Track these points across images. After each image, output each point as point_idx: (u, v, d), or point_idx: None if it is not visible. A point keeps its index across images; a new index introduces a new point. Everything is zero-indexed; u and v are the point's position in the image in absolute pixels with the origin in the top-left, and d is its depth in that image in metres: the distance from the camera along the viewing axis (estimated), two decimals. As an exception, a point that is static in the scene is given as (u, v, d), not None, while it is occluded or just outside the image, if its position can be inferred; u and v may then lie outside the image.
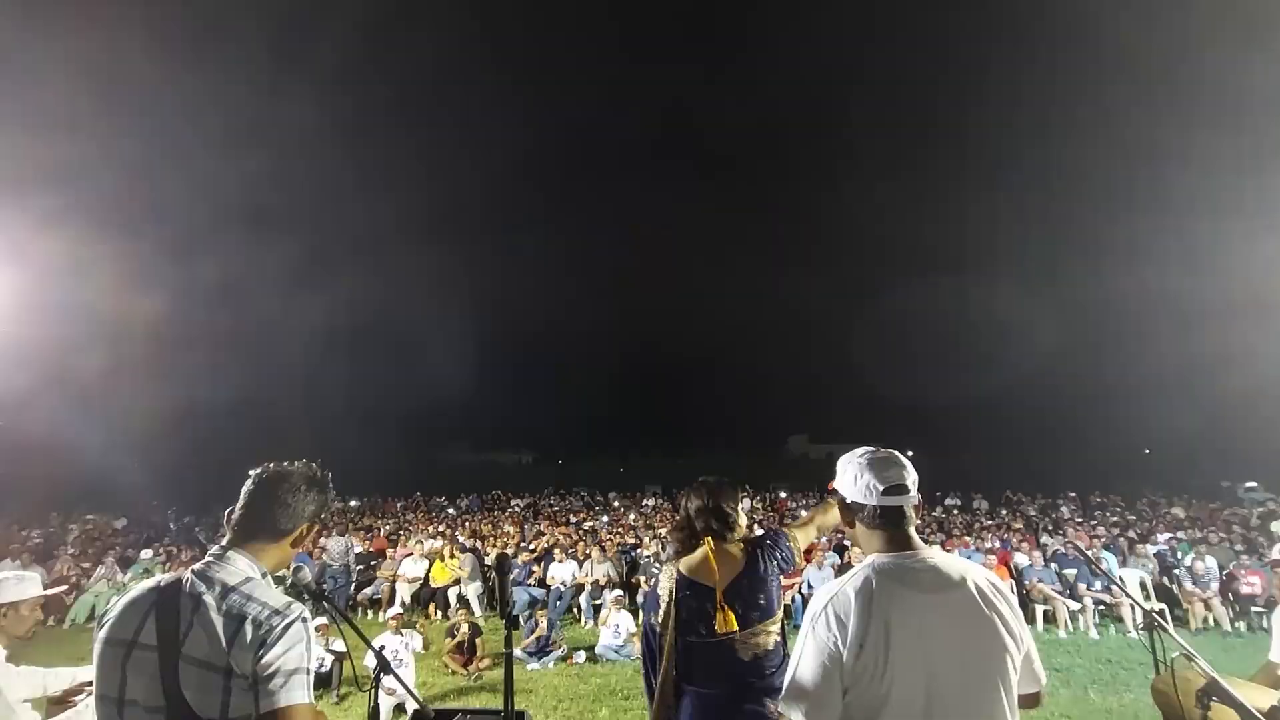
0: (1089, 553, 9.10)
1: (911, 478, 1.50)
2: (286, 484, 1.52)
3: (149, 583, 1.43)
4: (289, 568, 1.65)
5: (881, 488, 1.46)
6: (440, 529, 12.58)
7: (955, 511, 15.46)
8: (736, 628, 1.90)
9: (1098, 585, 7.98)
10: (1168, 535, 10.84)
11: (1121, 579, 8.47)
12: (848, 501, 1.53)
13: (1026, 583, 8.44)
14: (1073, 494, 17.54)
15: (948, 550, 9.02)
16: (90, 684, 2.61)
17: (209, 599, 1.34)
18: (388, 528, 13.72)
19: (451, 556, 9.30)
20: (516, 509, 17.25)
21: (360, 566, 9.84)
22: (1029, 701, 1.42)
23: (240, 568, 1.42)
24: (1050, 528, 12.36)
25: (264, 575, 1.46)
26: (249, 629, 1.31)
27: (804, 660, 1.39)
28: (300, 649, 1.34)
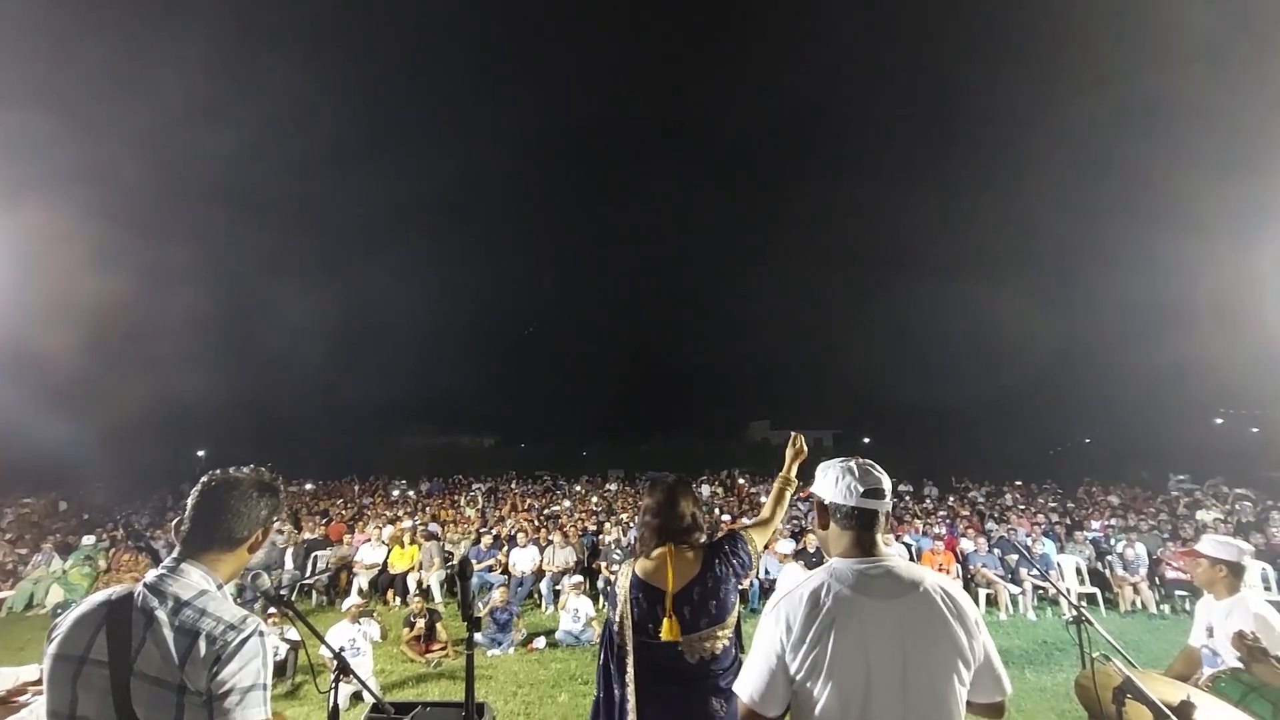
0: (1028, 539, 9.64)
1: (888, 486, 1.59)
2: (237, 491, 1.50)
3: (99, 596, 1.40)
4: (250, 574, 1.64)
5: (861, 489, 1.55)
6: (399, 513, 12.45)
7: (907, 498, 15.98)
8: (679, 635, 1.96)
9: (1037, 570, 8.41)
10: (1102, 522, 11.43)
11: (1059, 564, 8.93)
12: (825, 503, 1.61)
13: (971, 567, 8.82)
14: (1018, 482, 18.30)
15: (898, 535, 9.34)
16: (34, 683, 2.55)
17: (161, 614, 1.33)
18: (344, 513, 13.49)
19: (413, 543, 9.22)
20: (478, 493, 17.13)
21: (314, 553, 9.69)
22: (990, 711, 1.46)
23: (194, 580, 1.40)
24: (996, 515, 12.89)
25: (219, 587, 1.44)
26: (203, 645, 1.30)
27: (754, 652, 1.50)
28: (256, 664, 1.34)
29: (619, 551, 9.23)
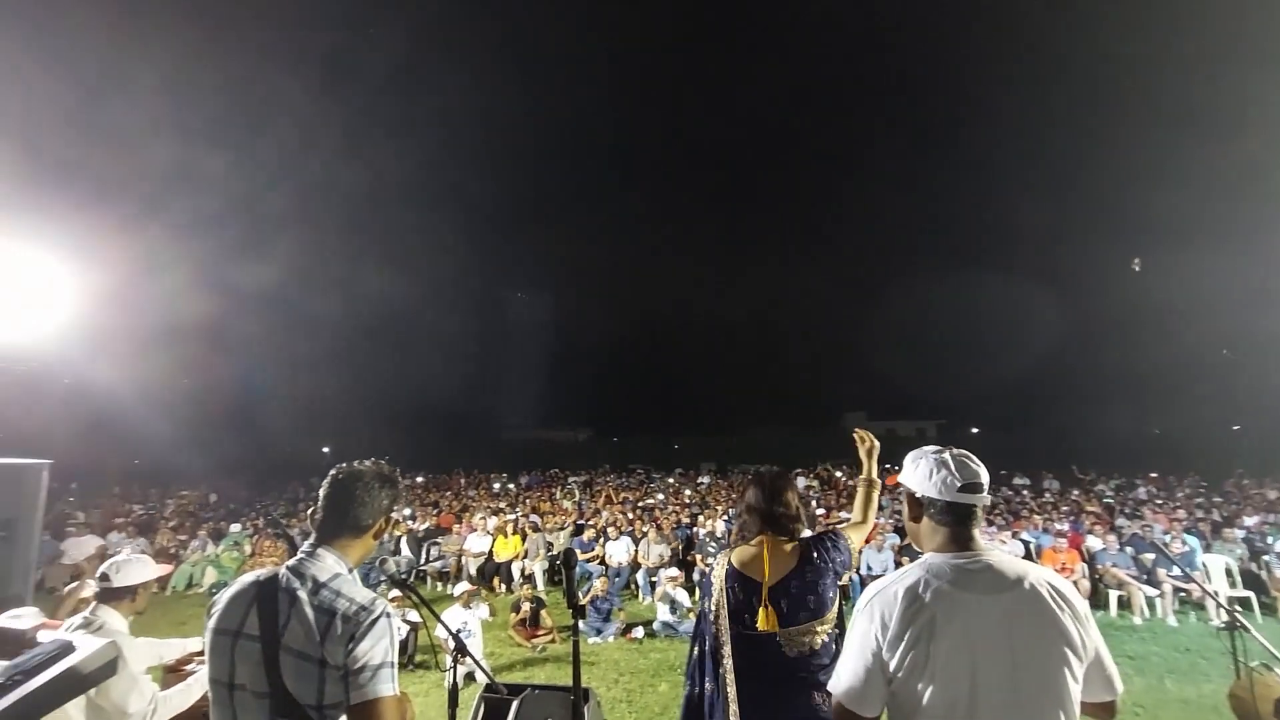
0: (1166, 536, 8.74)
1: (986, 479, 1.50)
2: (361, 483, 1.62)
3: (249, 577, 1.56)
4: (377, 560, 1.79)
5: (959, 484, 1.46)
6: (501, 505, 13.04)
7: (1024, 492, 14.91)
8: (777, 627, 1.93)
9: (1177, 570, 7.62)
10: (1257, 518, 10.18)
11: (1205, 565, 8.05)
12: (917, 496, 1.53)
13: (1099, 567, 8.13)
14: (1154, 474, 16.62)
15: (1015, 531, 8.76)
16: (198, 654, 2.90)
17: (302, 594, 1.46)
18: (453, 504, 14.29)
19: (515, 533, 9.66)
20: (574, 486, 17.64)
21: (427, 542, 10.38)
22: (1100, 711, 1.38)
23: (328, 564, 1.53)
24: (1127, 510, 11.79)
25: (350, 570, 1.57)
26: (339, 623, 1.42)
27: (848, 650, 1.45)
28: (385, 643, 1.45)
29: (714, 544, 9.22)
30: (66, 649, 1.86)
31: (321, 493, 1.63)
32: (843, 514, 11.07)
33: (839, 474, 18.39)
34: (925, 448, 1.59)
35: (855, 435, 2.50)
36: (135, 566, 2.64)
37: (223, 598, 1.55)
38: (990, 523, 9.80)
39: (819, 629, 1.98)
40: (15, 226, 4.32)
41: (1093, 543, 8.79)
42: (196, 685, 2.55)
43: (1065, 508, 12.16)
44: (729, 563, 2.12)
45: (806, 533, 2.20)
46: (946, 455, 1.52)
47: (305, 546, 1.58)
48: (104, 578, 2.57)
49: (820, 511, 11.30)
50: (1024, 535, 9.33)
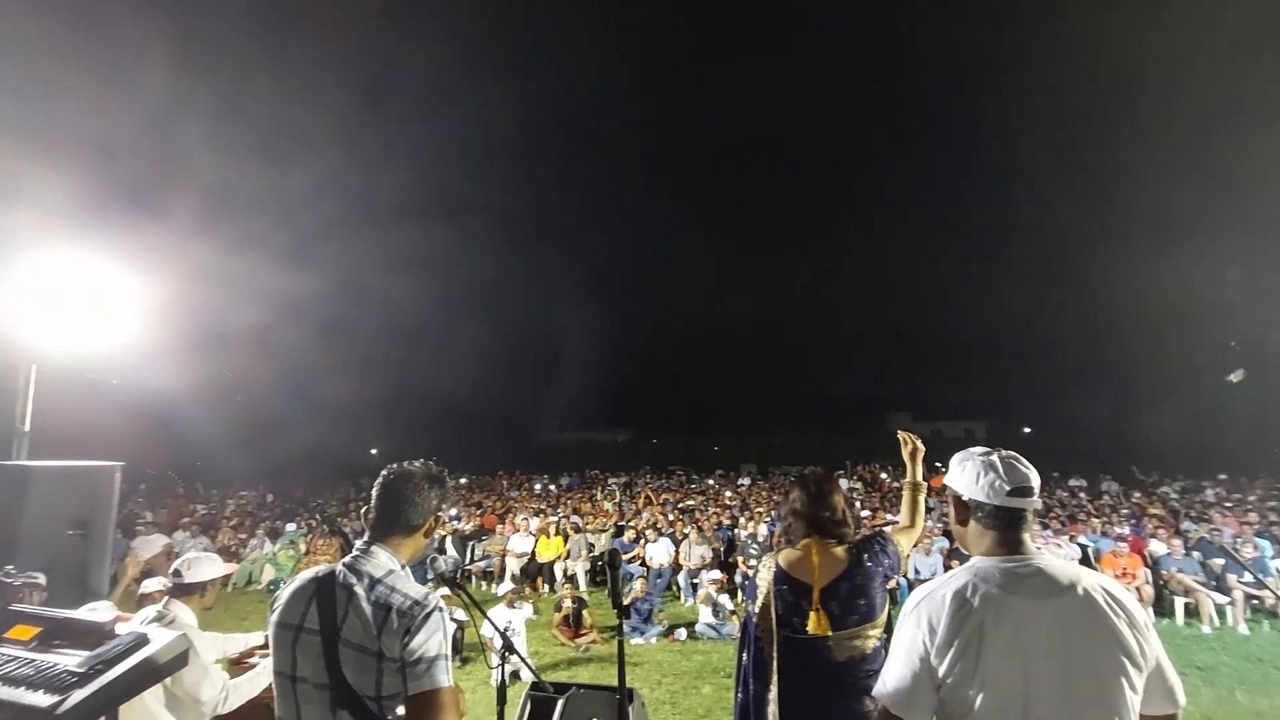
0: (1237, 541, 8.29)
1: (1036, 481, 1.45)
2: (411, 484, 1.67)
3: (309, 573, 1.62)
4: (428, 558, 1.84)
5: (1008, 488, 1.42)
6: (543, 506, 13.20)
7: (1080, 494, 14.34)
8: (829, 630, 1.90)
9: (1248, 576, 7.22)
10: (1341, 523, 9.56)
11: (1278, 571, 7.61)
12: (964, 499, 1.50)
13: (1164, 573, 7.77)
14: (1222, 476, 15.76)
15: (1072, 535, 8.43)
16: (261, 648, 3.04)
17: (359, 590, 1.52)
18: (496, 505, 14.53)
19: (558, 534, 9.77)
20: (615, 487, 17.72)
21: (471, 542, 10.59)
22: None
23: (382, 561, 1.59)
24: (1194, 513, 11.22)
25: (403, 567, 1.62)
26: (394, 617, 1.47)
27: (894, 655, 1.42)
28: (439, 636, 1.50)
29: (755, 546, 9.16)
30: (142, 640, 1.99)
31: (374, 493, 1.68)
32: (889, 516, 10.84)
33: (884, 475, 18.00)
34: (972, 449, 1.55)
35: (899, 437, 2.46)
36: (205, 564, 2.79)
37: (284, 594, 1.62)
38: (1045, 526, 9.46)
39: (870, 633, 1.95)
40: (90, 243, 4.59)
41: (1156, 547, 8.40)
42: (265, 673, 2.66)
43: (1126, 510, 11.65)
44: (776, 565, 2.09)
45: (854, 536, 2.17)
46: (994, 457, 1.48)
47: (360, 544, 1.64)
48: (176, 574, 2.72)
49: (865, 514, 11.09)
50: (1081, 539, 8.98)
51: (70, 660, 1.89)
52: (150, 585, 3.43)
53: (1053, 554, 1.46)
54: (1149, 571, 7.76)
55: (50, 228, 4.74)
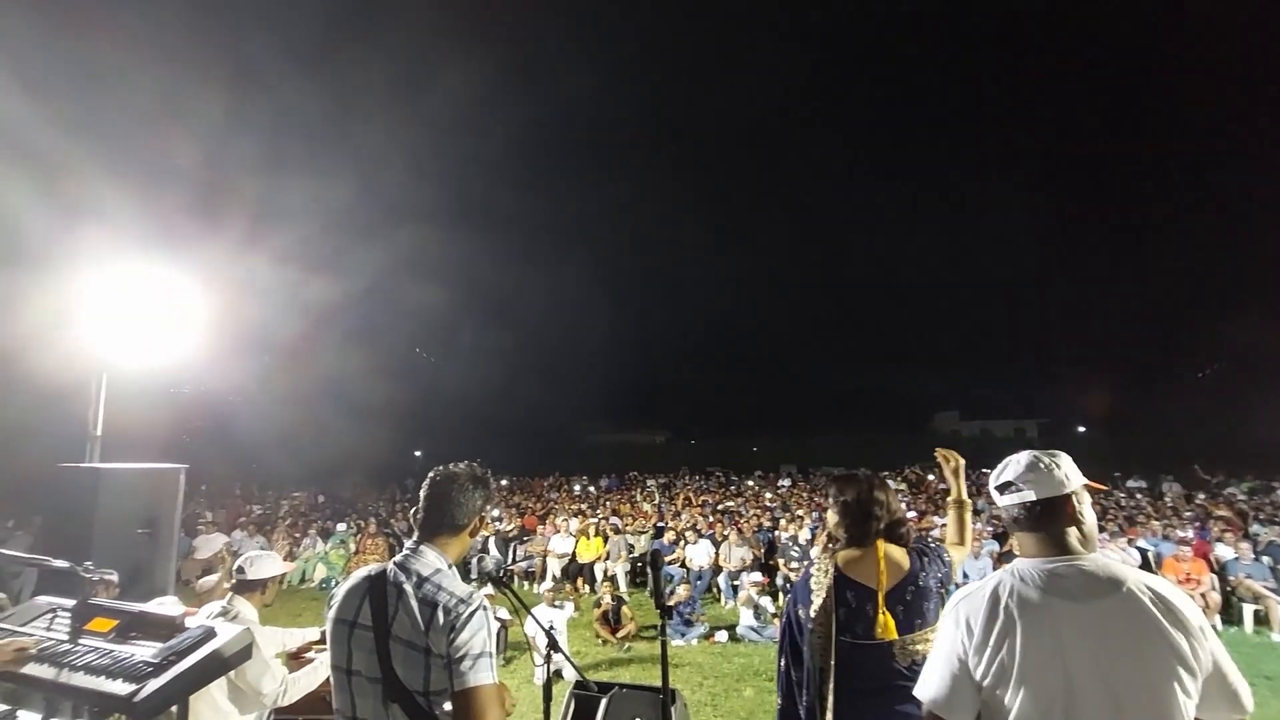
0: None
1: (1016, 473, 1.44)
2: (456, 484, 1.72)
3: (363, 571, 1.69)
4: (477, 556, 1.89)
5: (997, 489, 1.46)
6: (582, 507, 13.30)
7: (1138, 496, 13.73)
8: (896, 634, 1.87)
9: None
10: None
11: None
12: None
13: (1231, 578, 7.40)
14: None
15: (1130, 539, 8.09)
16: (317, 643, 3.16)
17: (408, 587, 1.57)
18: (536, 506, 14.71)
19: (598, 535, 9.84)
20: (654, 488, 17.74)
21: (512, 542, 10.76)
22: None
23: (430, 560, 1.64)
24: (1263, 515, 10.62)
25: (450, 566, 1.67)
26: (441, 615, 1.51)
27: (934, 655, 1.43)
28: (483, 634, 1.53)
29: (797, 548, 9.06)
30: (210, 634, 2.09)
31: (421, 494, 1.74)
32: (936, 519, 10.58)
33: (930, 477, 17.56)
34: (1020, 454, 1.52)
35: (938, 455, 2.42)
36: (266, 562, 2.92)
37: (340, 590, 1.69)
38: (1102, 529, 9.09)
39: (930, 637, 1.90)
40: (155, 258, 4.85)
41: (1223, 551, 7.99)
42: (322, 668, 2.77)
43: (1189, 513, 11.11)
44: (834, 567, 2.03)
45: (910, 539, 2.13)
46: (1016, 457, 1.49)
47: (409, 544, 1.70)
48: (240, 571, 2.86)
49: (912, 515, 10.84)
50: (1141, 543, 8.60)
51: (145, 651, 2.01)
52: (208, 582, 3.59)
53: (1099, 555, 1.42)
54: (1215, 577, 7.40)
55: (118, 243, 5.03)
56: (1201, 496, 13.35)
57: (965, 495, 2.37)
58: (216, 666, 2.07)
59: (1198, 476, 15.82)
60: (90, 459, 4.61)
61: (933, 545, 2.11)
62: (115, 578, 3.15)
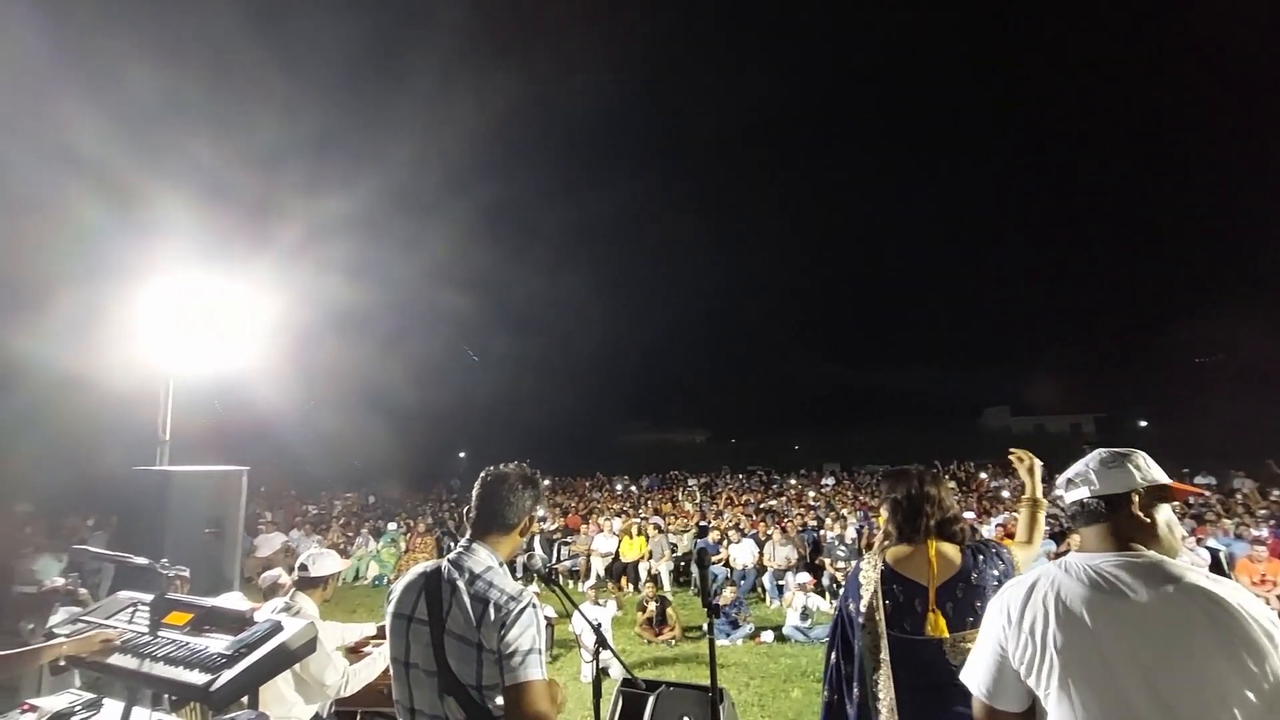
0: None
1: (1091, 471, 1.41)
2: (507, 485, 1.76)
3: (419, 568, 1.75)
4: (525, 555, 1.94)
5: (1061, 482, 1.46)
6: (624, 507, 13.37)
7: (1207, 493, 13.04)
8: (946, 632, 1.85)
9: None
10: None
11: None
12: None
13: (1313, 580, 6.96)
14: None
15: (1199, 538, 7.71)
16: (374, 637, 3.27)
17: (461, 584, 1.62)
18: (579, 506, 14.85)
19: (640, 534, 9.89)
20: (695, 488, 17.71)
21: (557, 541, 10.90)
22: None
23: (482, 558, 1.69)
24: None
25: (501, 564, 1.72)
26: (492, 611, 1.56)
27: (979, 643, 1.45)
28: (532, 631, 1.58)
29: (843, 548, 8.93)
30: (277, 628, 2.19)
31: (474, 494, 1.79)
32: (993, 521, 10.25)
33: (982, 475, 17.01)
34: (1095, 452, 1.50)
35: (1011, 456, 2.38)
36: (327, 559, 3.05)
37: (398, 586, 1.76)
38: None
39: None
40: (216, 269, 5.09)
41: (1303, 552, 7.54)
42: (380, 660, 2.88)
43: (1263, 510, 10.51)
44: (883, 562, 2.03)
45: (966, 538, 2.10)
46: (1086, 456, 1.48)
47: (462, 542, 1.75)
48: (303, 568, 2.99)
49: (969, 515, 10.52)
50: (1211, 542, 8.18)
51: (218, 644, 2.12)
52: (270, 576, 3.75)
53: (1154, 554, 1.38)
54: (1294, 579, 6.98)
55: (181, 257, 5.29)
56: (1276, 493, 12.60)
57: (1040, 495, 2.32)
58: (284, 658, 2.17)
59: (1272, 472, 14.92)
60: (160, 462, 4.87)
61: (993, 545, 2.07)
62: (188, 574, 3.32)
